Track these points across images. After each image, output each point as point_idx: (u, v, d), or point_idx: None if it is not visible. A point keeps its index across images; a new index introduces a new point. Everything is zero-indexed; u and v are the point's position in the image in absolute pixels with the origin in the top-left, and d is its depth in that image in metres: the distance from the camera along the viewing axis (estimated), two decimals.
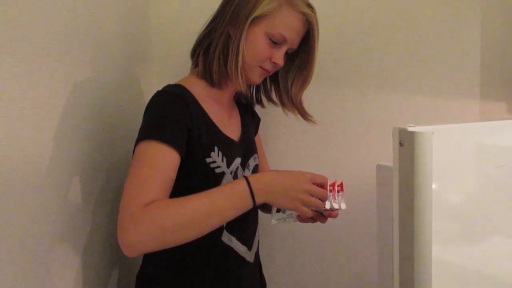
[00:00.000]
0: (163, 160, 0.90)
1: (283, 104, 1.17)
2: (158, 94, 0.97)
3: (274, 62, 1.05)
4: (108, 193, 1.08)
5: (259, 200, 0.91)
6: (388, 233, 0.80)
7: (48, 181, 0.83)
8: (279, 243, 1.48)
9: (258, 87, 1.22)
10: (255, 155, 1.16)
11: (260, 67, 1.05)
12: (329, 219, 1.00)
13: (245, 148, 1.12)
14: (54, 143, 0.85)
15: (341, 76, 1.42)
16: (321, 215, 0.99)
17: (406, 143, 0.69)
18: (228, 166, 1.02)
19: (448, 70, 1.42)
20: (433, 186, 0.70)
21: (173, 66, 1.40)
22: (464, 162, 0.78)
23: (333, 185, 0.98)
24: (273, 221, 1.01)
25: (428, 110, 1.42)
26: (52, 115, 0.84)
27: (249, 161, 1.12)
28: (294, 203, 0.93)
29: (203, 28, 1.09)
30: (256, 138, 1.26)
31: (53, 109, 0.85)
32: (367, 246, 1.42)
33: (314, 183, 0.95)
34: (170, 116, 0.93)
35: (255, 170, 1.15)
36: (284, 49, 1.05)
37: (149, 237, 0.83)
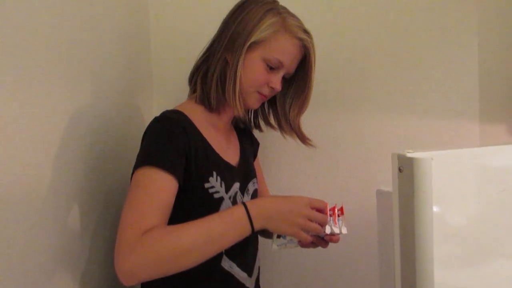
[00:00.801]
0: (160, 186, 0.90)
1: (281, 128, 1.17)
2: (156, 121, 0.97)
3: (271, 87, 1.06)
4: (107, 218, 1.08)
5: (257, 226, 0.91)
6: (390, 259, 0.80)
7: (48, 205, 0.83)
8: (280, 269, 1.47)
9: (256, 111, 1.23)
10: (254, 180, 1.16)
11: (258, 92, 1.06)
12: (331, 244, 0.99)
13: (244, 172, 1.12)
14: (54, 167, 0.85)
15: (340, 101, 1.43)
16: (322, 240, 0.99)
17: (406, 169, 0.69)
18: (227, 191, 1.01)
19: (446, 93, 1.42)
20: (434, 210, 0.70)
21: (173, 92, 1.41)
22: (465, 187, 0.78)
23: (333, 209, 0.98)
24: (274, 247, 1.00)
25: (428, 133, 1.42)
26: (52, 140, 0.85)
27: (248, 185, 1.12)
28: (293, 229, 0.93)
29: (201, 55, 1.10)
30: (255, 162, 1.26)
31: (53, 134, 0.85)
32: (369, 271, 1.41)
33: (313, 208, 0.94)
34: (167, 142, 0.93)
35: (255, 194, 1.15)
36: (281, 74, 1.06)
37: (145, 265, 0.83)
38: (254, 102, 1.07)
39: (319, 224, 0.94)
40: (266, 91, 1.06)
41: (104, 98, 1.07)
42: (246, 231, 0.91)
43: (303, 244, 1.00)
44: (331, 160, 1.43)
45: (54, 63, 0.85)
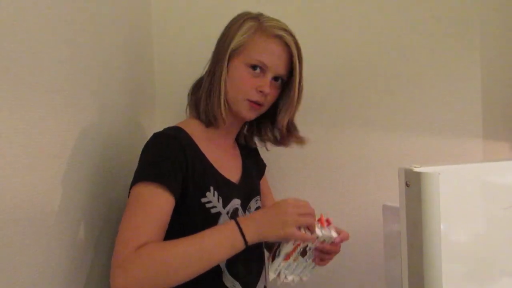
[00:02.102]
0: (156, 203, 0.90)
1: (275, 137, 1.16)
2: (154, 137, 0.98)
3: (260, 91, 1.03)
4: (111, 233, 1.08)
5: (249, 236, 0.90)
6: (397, 274, 0.79)
7: (52, 223, 0.83)
8: None
9: (252, 129, 1.21)
10: (257, 198, 1.15)
11: (248, 100, 1.03)
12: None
13: (246, 190, 1.11)
14: (57, 182, 0.86)
15: (345, 117, 1.43)
16: (331, 248, 0.99)
17: (413, 184, 0.69)
18: (224, 206, 1.01)
19: (450, 110, 1.43)
20: (441, 227, 0.69)
21: (175, 109, 1.41)
22: (470, 203, 0.78)
23: (320, 220, 0.98)
24: (271, 275, 0.97)
25: (432, 150, 1.42)
26: (55, 155, 0.85)
27: (250, 203, 1.11)
28: (286, 229, 0.91)
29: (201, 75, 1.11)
30: (262, 181, 1.25)
31: (55, 150, 0.85)
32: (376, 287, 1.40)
33: (299, 206, 0.94)
34: (164, 158, 0.94)
35: None
36: (268, 76, 1.03)
37: (137, 282, 0.83)
38: (246, 111, 1.05)
39: (309, 219, 0.93)
40: (256, 96, 1.03)
41: (106, 115, 1.08)
42: (238, 242, 0.90)
43: (319, 261, 1.00)
44: (337, 176, 1.43)
45: (55, 79, 0.85)
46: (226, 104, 1.03)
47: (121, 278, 0.82)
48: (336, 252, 1.01)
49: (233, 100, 1.04)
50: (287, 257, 0.96)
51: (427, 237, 0.69)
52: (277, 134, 1.15)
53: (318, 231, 0.95)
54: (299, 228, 0.92)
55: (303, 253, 0.97)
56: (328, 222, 0.99)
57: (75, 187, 0.91)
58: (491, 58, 1.43)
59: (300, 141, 1.15)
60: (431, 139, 1.42)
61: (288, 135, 1.14)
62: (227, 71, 1.02)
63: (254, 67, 1.02)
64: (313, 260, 0.99)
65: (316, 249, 0.99)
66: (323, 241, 0.97)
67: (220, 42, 1.06)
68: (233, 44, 1.02)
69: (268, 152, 1.29)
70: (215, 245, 0.89)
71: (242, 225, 0.90)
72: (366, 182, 1.41)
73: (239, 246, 0.90)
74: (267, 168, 1.31)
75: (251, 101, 1.04)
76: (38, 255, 0.78)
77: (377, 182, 1.40)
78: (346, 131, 1.43)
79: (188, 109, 1.13)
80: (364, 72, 1.43)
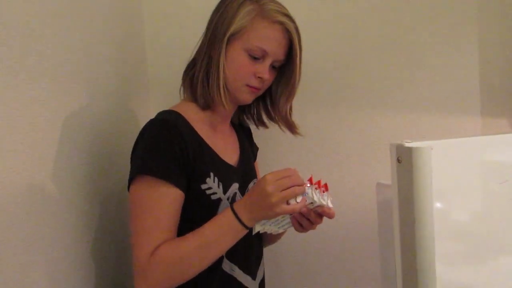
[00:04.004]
0: (163, 200, 0.91)
1: (270, 118, 1.15)
2: (150, 124, 0.95)
3: (259, 77, 1.01)
4: (105, 220, 1.06)
5: (247, 222, 0.90)
6: (391, 254, 0.78)
7: (43, 209, 0.81)
8: (284, 269, 1.45)
9: (245, 108, 1.19)
10: (255, 180, 1.13)
11: (247, 85, 1.02)
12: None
13: (244, 173, 1.10)
14: (47, 170, 0.84)
15: (339, 95, 1.41)
16: (317, 216, 0.96)
17: (404, 160, 0.67)
18: (225, 192, 0.99)
19: (447, 87, 1.41)
20: (436, 204, 0.68)
21: (169, 92, 1.38)
22: (466, 178, 0.76)
23: (318, 183, 0.95)
24: (257, 227, 0.95)
25: (429, 128, 1.40)
26: (45, 143, 0.83)
27: (249, 186, 1.10)
28: (274, 209, 0.89)
29: (192, 54, 1.08)
30: (255, 164, 1.24)
31: (45, 137, 0.83)
32: (370, 267, 1.39)
33: (279, 178, 0.90)
34: (163, 147, 0.91)
35: None
36: (267, 62, 1.01)
37: (159, 285, 0.90)
38: (245, 96, 1.04)
39: (294, 185, 0.89)
40: (255, 82, 1.02)
41: (98, 100, 1.06)
42: (239, 230, 0.91)
43: (295, 223, 0.99)
44: (330, 154, 1.41)
45: (45, 65, 0.83)
46: (225, 88, 1.00)
47: (144, 284, 0.89)
48: (317, 223, 0.98)
49: (232, 85, 1.01)
50: None
51: (419, 214, 0.67)
52: (275, 116, 1.14)
53: (313, 196, 0.92)
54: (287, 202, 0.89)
55: None
56: (326, 188, 0.96)
57: (65, 173, 0.90)
58: (488, 32, 1.40)
59: (296, 133, 1.15)
60: (427, 116, 1.40)
61: (289, 125, 1.13)
62: (225, 55, 0.99)
63: (254, 53, 1.00)
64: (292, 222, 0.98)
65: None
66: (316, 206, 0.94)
67: (216, 23, 1.01)
68: (232, 29, 0.98)
69: (261, 134, 1.27)
70: (217, 236, 0.91)
71: (237, 212, 0.90)
72: (361, 160, 1.40)
73: (241, 232, 0.91)
74: (260, 150, 1.29)
75: (250, 86, 1.02)
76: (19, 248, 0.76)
77: (372, 160, 1.39)
78: (340, 109, 1.41)
79: (182, 90, 1.10)
80: (356, 50, 1.40)
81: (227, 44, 0.99)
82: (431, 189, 0.67)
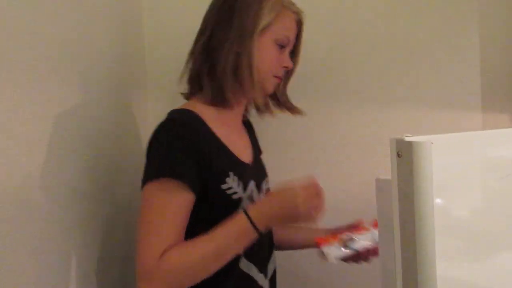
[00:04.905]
0: (174, 202, 0.90)
1: (278, 105, 1.17)
2: (166, 124, 0.94)
3: (284, 67, 1.06)
4: (101, 219, 1.06)
5: (263, 228, 0.91)
6: (391, 250, 0.77)
7: (37, 207, 0.81)
8: (282, 266, 1.45)
9: None
10: (267, 179, 1.13)
11: (275, 76, 1.06)
12: None
13: (258, 170, 1.10)
14: (43, 170, 0.83)
15: (339, 89, 1.41)
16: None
17: (404, 154, 0.66)
18: (245, 190, 0.99)
19: (448, 83, 1.40)
20: (436, 200, 0.67)
21: (168, 89, 1.38)
22: (466, 174, 0.75)
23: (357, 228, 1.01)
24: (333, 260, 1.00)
25: (429, 124, 1.40)
26: (41, 142, 0.83)
27: (262, 184, 1.09)
28: (305, 218, 0.92)
29: (195, 54, 1.06)
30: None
31: (41, 135, 0.83)
32: (370, 263, 1.38)
33: (307, 188, 0.94)
34: (178, 150, 0.91)
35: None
36: (287, 51, 1.07)
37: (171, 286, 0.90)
38: (271, 88, 1.07)
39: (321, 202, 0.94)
40: (280, 72, 1.07)
41: (95, 99, 1.05)
42: (253, 236, 0.91)
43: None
44: (330, 149, 1.41)
45: (41, 61, 0.82)
46: (258, 82, 1.02)
47: (150, 278, 0.87)
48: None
49: (262, 78, 1.03)
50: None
51: (419, 209, 0.66)
52: (280, 101, 1.16)
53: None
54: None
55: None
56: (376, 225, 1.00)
57: (61, 171, 0.89)
58: (489, 27, 1.39)
59: (297, 112, 1.17)
60: (428, 112, 1.40)
61: (289, 106, 1.17)
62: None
63: (282, 43, 1.04)
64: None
65: None
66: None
67: (236, 19, 1.00)
68: (262, 24, 1.00)
69: (262, 130, 1.26)
70: (230, 241, 0.91)
71: (252, 217, 0.90)
72: (361, 155, 1.39)
73: (254, 237, 0.92)
74: (260, 141, 1.29)
75: (276, 77, 1.07)
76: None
77: (372, 156, 1.38)
78: (340, 104, 1.41)
79: (188, 89, 1.09)
80: (357, 45, 1.40)
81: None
82: (432, 183, 0.66)
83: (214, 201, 0.95)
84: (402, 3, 1.39)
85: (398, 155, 0.67)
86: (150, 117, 1.35)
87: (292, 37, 1.07)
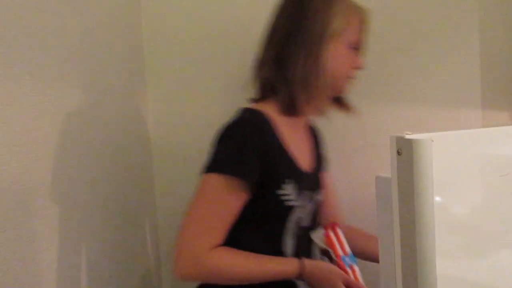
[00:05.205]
0: (230, 200, 0.93)
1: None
2: (239, 123, 0.96)
3: (356, 67, 1.08)
4: (108, 218, 1.05)
5: (305, 279, 0.97)
6: (390, 247, 0.77)
7: (41, 206, 0.80)
8: None
9: None
10: (320, 191, 1.14)
11: (348, 77, 1.08)
12: None
13: (314, 180, 1.11)
14: (47, 169, 0.82)
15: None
16: None
17: (404, 152, 0.65)
18: (299, 199, 1.00)
19: (448, 79, 1.40)
20: (436, 198, 0.66)
21: (168, 87, 1.38)
22: (466, 171, 0.75)
23: None
24: None
25: (429, 121, 1.39)
26: (44, 142, 0.82)
27: (316, 195, 1.10)
28: None
29: (267, 63, 1.06)
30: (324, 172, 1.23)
31: (44, 136, 0.83)
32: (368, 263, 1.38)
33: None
34: (247, 150, 0.93)
35: (318, 207, 1.13)
36: (358, 52, 1.08)
37: (199, 279, 0.98)
38: (344, 90, 1.10)
39: None
40: (353, 73, 1.08)
41: (97, 98, 1.05)
42: (291, 278, 0.98)
43: None
44: (330, 147, 1.40)
45: (42, 64, 0.82)
46: (330, 86, 1.04)
47: (187, 272, 0.93)
48: None
49: (337, 81, 1.05)
50: None
51: (419, 207, 0.66)
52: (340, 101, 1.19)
53: None
54: None
55: None
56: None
57: (65, 172, 0.88)
58: (490, 24, 1.39)
59: (353, 109, 1.21)
60: (428, 109, 1.39)
61: (347, 102, 1.20)
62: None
63: (353, 46, 1.05)
64: None
65: None
66: None
67: (310, 25, 1.01)
68: (333, 28, 1.01)
69: None
70: (274, 274, 0.96)
71: (303, 274, 0.95)
72: (360, 153, 1.39)
73: (290, 277, 0.98)
74: None
75: (349, 77, 1.10)
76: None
77: (372, 153, 1.38)
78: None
79: (258, 91, 1.09)
80: None
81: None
82: (432, 181, 0.65)
83: (267, 204, 0.98)
84: (403, 1, 1.39)
85: (398, 153, 0.67)
86: (151, 116, 1.35)
87: (362, 37, 1.08)
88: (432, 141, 0.64)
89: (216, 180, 0.92)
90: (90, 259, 0.98)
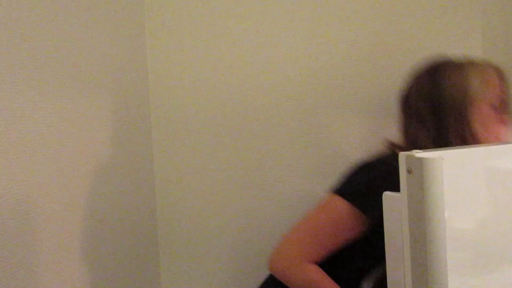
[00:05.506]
0: (345, 229, 0.97)
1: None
2: (385, 167, 0.99)
3: (504, 125, 1.07)
4: (108, 233, 1.04)
5: None
6: (399, 267, 0.76)
7: (43, 220, 0.80)
8: None
9: None
10: None
11: (497, 136, 1.07)
12: None
13: None
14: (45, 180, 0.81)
15: (347, 104, 1.40)
16: None
17: (415, 170, 0.65)
18: None
19: None
20: (445, 214, 0.66)
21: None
22: (475, 188, 0.74)
23: None
24: None
25: None
26: (44, 149, 0.82)
27: None
28: None
29: (418, 141, 1.08)
30: None
31: (46, 142, 0.82)
32: None
33: None
34: (380, 192, 0.92)
35: None
36: (505, 109, 1.07)
37: (285, 281, 1.00)
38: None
39: None
40: (504, 132, 1.07)
41: (97, 104, 1.05)
42: None
43: None
44: (339, 163, 1.40)
45: (44, 67, 0.81)
46: None
47: (277, 270, 1.00)
48: None
49: (487, 140, 1.06)
50: None
51: (430, 227, 0.65)
52: None
53: None
54: None
55: None
56: None
57: (59, 181, 0.88)
58: (492, 27, 1.40)
59: None
60: None
61: None
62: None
63: (496, 105, 1.06)
64: None
65: None
66: None
67: (451, 99, 1.04)
68: (473, 94, 1.03)
69: (270, 143, 1.26)
70: None
71: None
72: (360, 157, 1.38)
73: None
74: (266, 159, 1.29)
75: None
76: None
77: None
78: (343, 114, 1.40)
79: (405, 143, 1.11)
80: (357, 44, 1.40)
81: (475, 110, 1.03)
82: (443, 200, 0.65)
83: (376, 243, 0.98)
84: (404, 3, 1.39)
85: (408, 171, 0.66)
86: (153, 120, 1.34)
87: (503, 94, 1.07)
88: (443, 159, 0.64)
89: (340, 204, 0.97)
90: (89, 261, 0.97)
